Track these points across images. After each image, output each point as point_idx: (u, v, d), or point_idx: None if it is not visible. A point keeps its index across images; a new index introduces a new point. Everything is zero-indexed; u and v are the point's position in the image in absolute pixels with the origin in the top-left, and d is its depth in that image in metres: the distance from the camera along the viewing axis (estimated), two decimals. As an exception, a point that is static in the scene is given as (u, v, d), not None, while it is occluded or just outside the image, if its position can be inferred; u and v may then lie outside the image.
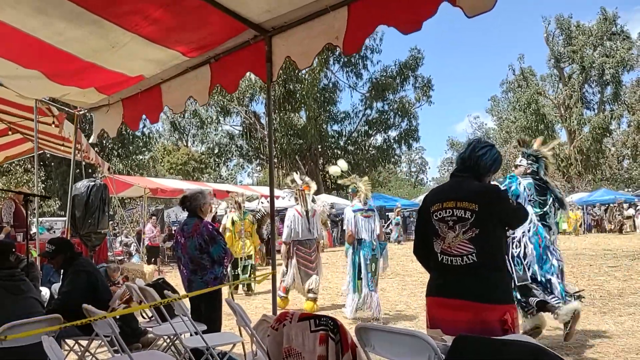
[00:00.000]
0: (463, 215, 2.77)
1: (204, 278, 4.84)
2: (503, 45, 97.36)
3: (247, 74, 4.33)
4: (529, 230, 5.47)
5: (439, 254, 2.86)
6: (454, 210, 2.81)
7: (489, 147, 2.94)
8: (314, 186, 8.51)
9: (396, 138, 38.45)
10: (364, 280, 7.17)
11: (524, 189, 5.56)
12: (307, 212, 8.11)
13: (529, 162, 5.77)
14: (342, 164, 8.19)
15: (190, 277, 4.95)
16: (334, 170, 8.16)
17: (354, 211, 7.38)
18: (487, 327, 2.60)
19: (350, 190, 7.77)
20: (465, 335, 2.28)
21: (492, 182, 3.21)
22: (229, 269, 7.73)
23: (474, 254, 2.73)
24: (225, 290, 5.48)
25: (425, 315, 2.97)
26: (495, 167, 2.94)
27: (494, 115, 53.19)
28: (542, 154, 5.84)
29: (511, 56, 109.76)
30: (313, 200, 8.43)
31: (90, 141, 6.98)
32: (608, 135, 43.58)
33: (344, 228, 8.70)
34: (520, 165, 5.81)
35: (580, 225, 28.95)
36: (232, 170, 46.11)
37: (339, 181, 8.20)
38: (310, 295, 7.93)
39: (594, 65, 42.43)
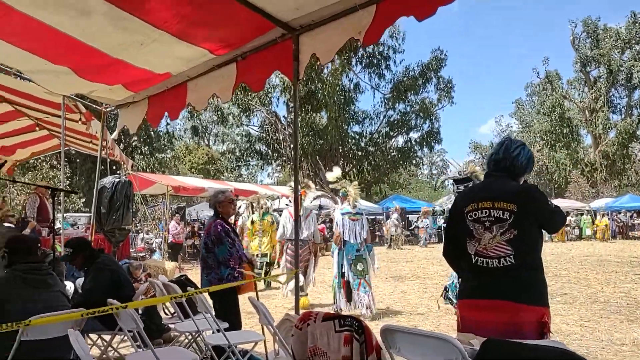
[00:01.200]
0: (501, 216, 2.69)
1: (209, 277, 4.83)
2: (528, 48, 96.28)
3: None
4: None
5: (473, 256, 2.77)
6: (491, 210, 2.72)
7: (522, 146, 2.87)
8: (312, 189, 8.77)
9: (417, 140, 38.17)
10: (350, 281, 7.47)
11: None
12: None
13: (465, 185, 6.07)
14: (337, 171, 8.51)
15: (201, 274, 4.99)
16: (330, 176, 8.47)
17: (343, 214, 7.71)
18: (522, 329, 2.53)
19: (340, 194, 8.12)
20: (494, 339, 2.23)
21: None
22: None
23: (511, 256, 2.64)
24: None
25: (457, 319, 2.91)
26: (530, 167, 2.87)
27: (517, 119, 52.56)
28: (474, 172, 6.22)
29: (536, 59, 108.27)
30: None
31: (112, 137, 7.07)
32: (635, 140, 42.69)
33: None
34: (460, 192, 6.04)
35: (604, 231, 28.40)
36: (252, 169, 46.35)
37: (331, 186, 8.59)
38: (302, 293, 8.09)
39: (621, 68, 41.63)
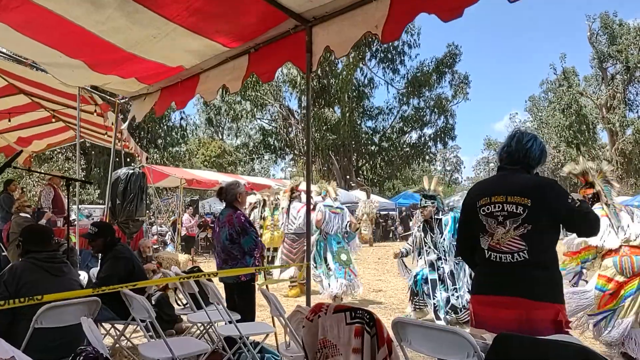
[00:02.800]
0: (514, 211, 2.64)
1: (235, 268, 4.87)
2: (545, 44, 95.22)
3: (283, 67, 4.32)
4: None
5: (486, 251, 2.74)
6: (504, 204, 2.68)
7: (534, 138, 2.81)
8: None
9: (431, 136, 37.97)
10: (333, 269, 7.97)
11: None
12: (288, 209, 9.25)
13: (432, 201, 6.87)
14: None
15: (222, 266, 5.01)
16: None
17: (325, 206, 8.46)
18: (536, 327, 2.50)
19: (322, 194, 9.05)
20: (507, 333, 2.21)
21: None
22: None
23: (525, 251, 2.60)
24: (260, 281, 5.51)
25: (470, 314, 2.89)
26: (544, 158, 2.82)
27: (532, 115, 52.02)
28: (437, 192, 7.08)
29: (553, 55, 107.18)
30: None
31: (122, 127, 7.13)
32: (652, 137, 42.08)
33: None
34: (426, 207, 6.84)
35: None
36: (265, 164, 46.45)
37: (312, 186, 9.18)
38: (293, 283, 9.00)
39: (639, 65, 41.00)
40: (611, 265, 4.55)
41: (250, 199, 11.59)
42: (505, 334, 2.15)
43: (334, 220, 8.24)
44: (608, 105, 42.39)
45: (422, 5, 3.02)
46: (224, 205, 5.16)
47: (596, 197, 5.00)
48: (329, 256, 8.07)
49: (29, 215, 7.73)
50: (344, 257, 8.04)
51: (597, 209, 4.66)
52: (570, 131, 42.83)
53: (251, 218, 11.99)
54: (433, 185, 7.09)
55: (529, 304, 2.55)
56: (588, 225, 2.68)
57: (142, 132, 29.51)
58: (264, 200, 11.80)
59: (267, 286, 4.61)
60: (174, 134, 33.43)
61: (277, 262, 9.33)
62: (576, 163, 5.36)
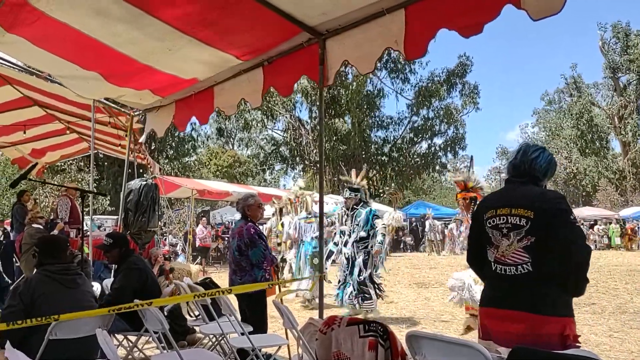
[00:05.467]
0: (518, 223, 2.64)
1: (243, 279, 4.87)
2: (556, 53, 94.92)
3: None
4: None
5: (492, 263, 2.75)
6: (509, 217, 2.68)
7: (541, 150, 2.80)
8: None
9: (441, 145, 37.84)
10: (306, 273, 8.85)
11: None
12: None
13: (355, 193, 7.81)
14: (300, 183, 11.16)
15: (232, 276, 5.03)
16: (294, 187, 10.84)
17: (299, 219, 9.57)
18: (543, 341, 2.47)
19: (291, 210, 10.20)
20: (522, 347, 2.19)
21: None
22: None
23: (529, 264, 2.60)
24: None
25: (478, 327, 2.88)
26: (552, 171, 2.80)
27: (541, 125, 51.67)
28: (362, 185, 7.93)
29: (563, 64, 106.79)
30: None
31: (140, 141, 7.18)
32: (665, 147, 41.68)
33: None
34: (349, 198, 7.85)
35: (630, 240, 27.75)
36: (276, 174, 46.48)
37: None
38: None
39: (652, 75, 40.71)
40: None
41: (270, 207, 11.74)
42: (520, 347, 2.13)
43: (308, 229, 9.27)
44: (620, 114, 42.08)
45: (441, 21, 3.03)
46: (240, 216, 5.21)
47: (474, 201, 6.34)
48: (303, 259, 9.17)
49: (41, 226, 7.79)
50: (316, 261, 8.64)
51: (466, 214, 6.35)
52: (582, 141, 42.54)
53: (268, 226, 12.05)
54: (359, 179, 8.06)
55: (535, 319, 2.54)
56: (583, 253, 2.58)
57: (154, 143, 29.70)
58: (281, 209, 11.78)
59: (281, 299, 4.60)
60: (184, 144, 33.65)
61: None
62: (459, 173, 7.06)
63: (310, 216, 9.49)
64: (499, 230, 2.72)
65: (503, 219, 2.71)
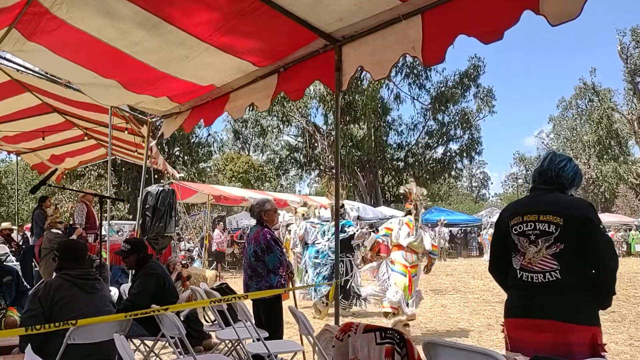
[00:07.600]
0: (547, 229, 2.59)
1: (259, 285, 4.87)
2: (575, 58, 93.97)
3: (312, 85, 4.35)
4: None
5: (518, 270, 2.69)
6: (537, 223, 2.63)
7: (568, 159, 2.76)
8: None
9: (457, 150, 37.63)
10: (310, 276, 9.27)
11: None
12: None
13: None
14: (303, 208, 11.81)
15: (247, 282, 5.02)
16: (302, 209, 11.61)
17: (307, 221, 10.30)
18: (572, 350, 2.43)
19: (310, 214, 11.13)
20: (540, 356, 2.16)
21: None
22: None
23: (557, 271, 2.54)
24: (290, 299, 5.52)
25: (504, 338, 2.81)
26: (578, 181, 2.76)
27: (557, 133, 51.13)
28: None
29: (583, 69, 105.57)
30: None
31: (151, 145, 7.25)
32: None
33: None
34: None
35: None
36: (291, 180, 46.61)
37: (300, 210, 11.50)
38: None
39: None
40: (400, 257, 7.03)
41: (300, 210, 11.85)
42: (539, 356, 2.11)
43: (313, 231, 9.80)
44: (640, 120, 41.51)
45: (460, 28, 2.99)
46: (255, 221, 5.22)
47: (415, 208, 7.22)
48: (308, 262, 9.51)
49: (60, 232, 7.88)
50: (317, 261, 9.34)
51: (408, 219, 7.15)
52: (600, 147, 42.02)
53: (293, 232, 12.07)
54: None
55: (564, 327, 2.48)
56: (612, 262, 2.55)
57: (171, 149, 29.98)
58: (303, 215, 11.81)
59: (296, 304, 4.60)
60: (199, 150, 33.92)
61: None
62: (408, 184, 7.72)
63: (318, 222, 10.14)
64: (526, 236, 2.67)
65: (530, 225, 2.66)
